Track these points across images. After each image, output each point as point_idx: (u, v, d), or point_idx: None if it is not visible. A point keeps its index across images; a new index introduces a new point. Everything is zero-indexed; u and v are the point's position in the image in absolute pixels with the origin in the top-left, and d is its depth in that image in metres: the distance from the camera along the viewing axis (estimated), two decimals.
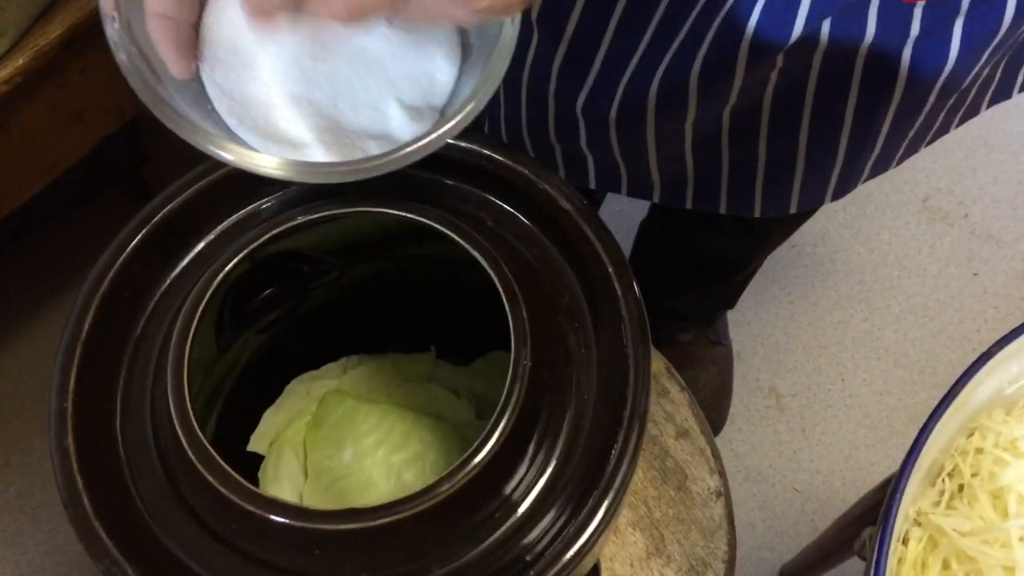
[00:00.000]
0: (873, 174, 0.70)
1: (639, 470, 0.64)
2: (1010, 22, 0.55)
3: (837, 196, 0.71)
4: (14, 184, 0.92)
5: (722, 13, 0.54)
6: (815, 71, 0.58)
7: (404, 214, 0.42)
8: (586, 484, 0.38)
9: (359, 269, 0.52)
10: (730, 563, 0.61)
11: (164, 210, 0.45)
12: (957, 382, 0.46)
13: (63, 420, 0.37)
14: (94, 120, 0.95)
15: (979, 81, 0.63)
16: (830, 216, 1.27)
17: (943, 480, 0.53)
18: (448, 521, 0.36)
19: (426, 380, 0.61)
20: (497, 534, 0.37)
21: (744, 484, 1.14)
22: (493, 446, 0.36)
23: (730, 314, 1.19)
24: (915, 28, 0.53)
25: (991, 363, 0.47)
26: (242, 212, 0.47)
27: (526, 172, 0.44)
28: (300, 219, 0.42)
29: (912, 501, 0.52)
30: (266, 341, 0.52)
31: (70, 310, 0.40)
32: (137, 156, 1.28)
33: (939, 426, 0.48)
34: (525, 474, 0.38)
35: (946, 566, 0.52)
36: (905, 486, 0.47)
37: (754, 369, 1.19)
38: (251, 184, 0.45)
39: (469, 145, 0.45)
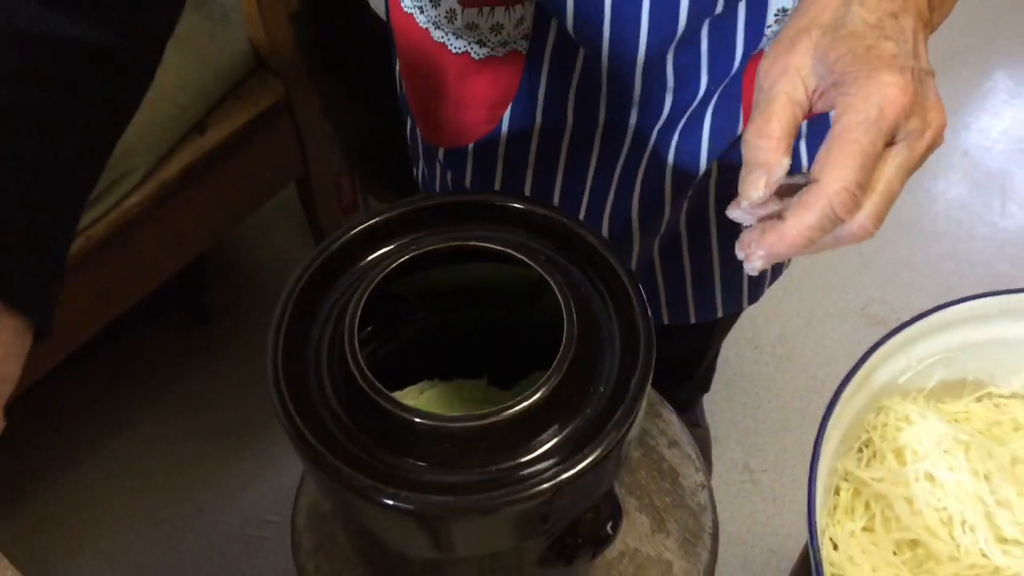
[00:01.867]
0: (773, 278, 0.91)
1: (643, 470, 0.83)
2: None
3: (752, 300, 0.91)
4: (130, 289, 1.14)
5: (645, 157, 0.73)
6: (712, 195, 0.79)
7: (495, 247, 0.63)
8: (606, 418, 0.58)
9: (442, 312, 0.74)
10: (714, 535, 0.80)
11: (336, 244, 0.65)
12: (854, 368, 0.68)
13: (276, 360, 0.59)
14: (193, 240, 1.18)
15: None
16: (785, 322, 1.51)
17: (860, 448, 0.74)
18: (532, 424, 0.56)
19: (481, 402, 0.81)
20: (552, 441, 0.57)
21: (727, 547, 1.31)
22: (552, 382, 0.57)
23: (706, 404, 1.40)
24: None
25: (881, 351, 0.69)
26: (370, 258, 0.68)
27: (564, 221, 0.67)
28: (406, 256, 0.63)
29: (840, 463, 0.73)
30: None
31: (271, 325, 0.61)
32: (200, 281, 1.50)
33: (846, 406, 0.69)
34: (572, 406, 0.59)
35: (867, 506, 0.72)
36: (820, 449, 0.68)
37: (729, 450, 1.39)
38: (375, 240, 0.66)
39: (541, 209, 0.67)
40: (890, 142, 0.42)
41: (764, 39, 0.68)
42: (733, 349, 1.47)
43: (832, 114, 0.44)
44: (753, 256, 0.45)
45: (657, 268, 0.85)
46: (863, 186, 0.42)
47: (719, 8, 0.64)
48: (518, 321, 0.72)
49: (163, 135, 1.08)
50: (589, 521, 0.64)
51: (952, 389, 0.77)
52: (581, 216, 0.80)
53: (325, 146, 1.27)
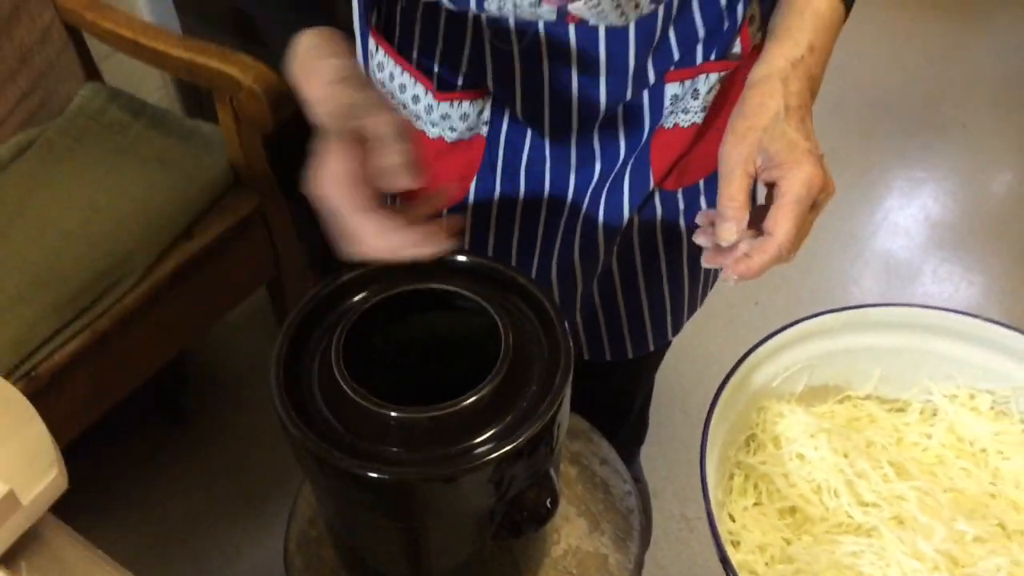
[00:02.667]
0: (690, 313, 1.11)
1: (579, 484, 0.99)
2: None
3: (675, 331, 1.11)
4: (126, 379, 1.28)
5: (581, 214, 0.94)
6: (636, 241, 1.00)
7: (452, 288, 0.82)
8: (536, 408, 0.75)
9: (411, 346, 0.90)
10: (643, 532, 0.96)
11: (326, 289, 0.83)
12: (729, 373, 0.86)
13: (278, 375, 0.75)
14: (181, 333, 1.34)
15: None
16: (708, 390, 1.69)
17: (747, 441, 0.91)
18: (481, 415, 0.72)
19: None
20: (497, 427, 0.74)
21: None
22: (495, 381, 0.74)
23: (644, 463, 1.56)
24: (681, 205, 0.98)
25: (751, 360, 0.87)
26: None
27: (500, 267, 0.85)
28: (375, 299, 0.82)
29: (731, 453, 0.90)
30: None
31: (275, 346, 0.78)
32: (179, 384, 1.64)
33: (728, 406, 0.87)
34: (511, 399, 0.76)
35: (755, 486, 0.88)
36: (707, 441, 0.84)
37: (667, 502, 1.55)
38: (352, 289, 0.84)
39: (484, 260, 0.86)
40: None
41: (662, 118, 0.89)
42: (666, 415, 1.64)
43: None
44: (729, 279, 0.73)
45: (598, 306, 1.04)
46: (797, 237, 0.69)
47: (629, 95, 0.85)
48: (471, 346, 0.89)
49: (157, 241, 1.25)
50: (531, 500, 0.80)
51: (818, 393, 0.95)
52: (533, 262, 0.99)
53: (295, 251, 1.46)
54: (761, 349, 0.89)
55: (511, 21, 0.80)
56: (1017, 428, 0.91)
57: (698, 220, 0.76)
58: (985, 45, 2.53)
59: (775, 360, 0.92)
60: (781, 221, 0.69)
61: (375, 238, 0.68)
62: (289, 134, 1.37)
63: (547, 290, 0.82)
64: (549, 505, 0.82)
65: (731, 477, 0.90)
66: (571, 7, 0.76)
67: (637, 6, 0.77)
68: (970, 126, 2.27)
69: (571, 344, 0.79)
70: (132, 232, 1.24)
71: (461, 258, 0.85)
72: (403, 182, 0.67)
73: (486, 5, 0.78)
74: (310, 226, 1.46)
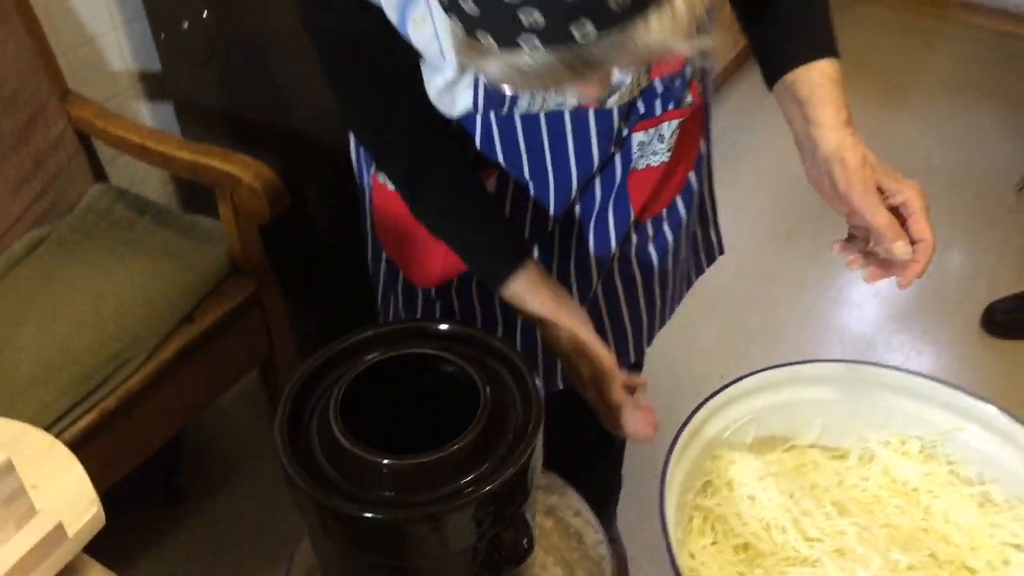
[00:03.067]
0: (660, 326, 1.23)
1: (555, 534, 1.08)
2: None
3: (649, 343, 1.23)
4: (130, 456, 1.36)
5: (573, 249, 1.07)
6: (616, 268, 1.10)
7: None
8: (512, 453, 0.85)
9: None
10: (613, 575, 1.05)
11: (313, 364, 0.93)
12: (682, 426, 0.96)
13: (283, 431, 0.85)
14: (183, 412, 1.43)
15: (680, 259, 1.18)
16: None
17: (703, 486, 1.01)
18: (463, 462, 0.82)
19: None
20: (480, 470, 0.84)
21: None
22: (476, 431, 0.84)
23: (621, 528, 1.64)
24: (650, 231, 1.10)
25: (701, 414, 0.97)
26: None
27: (475, 333, 0.96)
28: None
29: (689, 498, 0.99)
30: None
31: (283, 402, 0.88)
32: (175, 463, 1.72)
33: (684, 455, 0.97)
34: (489, 447, 0.86)
35: (713, 527, 0.98)
36: (666, 488, 0.94)
37: (643, 567, 1.62)
38: (347, 355, 0.95)
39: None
40: None
41: (632, 161, 1.03)
42: (640, 483, 1.73)
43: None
44: (902, 285, 0.91)
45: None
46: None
47: (611, 150, 1.00)
48: (453, 402, 0.98)
49: (161, 325, 1.36)
50: (509, 540, 0.90)
51: (766, 443, 1.06)
52: None
53: (288, 335, 1.56)
54: (711, 403, 1.00)
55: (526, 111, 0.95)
56: (944, 469, 1.02)
57: (836, 252, 0.97)
58: (928, 133, 2.73)
59: (725, 413, 1.02)
60: (924, 227, 0.89)
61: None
62: (283, 227, 1.50)
63: (519, 352, 0.93)
64: (526, 545, 0.92)
65: (690, 519, 1.00)
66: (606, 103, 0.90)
67: (639, 85, 0.93)
68: None
69: (542, 398, 0.89)
70: (138, 317, 1.34)
71: (443, 326, 0.96)
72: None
73: (519, 104, 0.91)
74: (302, 312, 1.56)
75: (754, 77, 2.91)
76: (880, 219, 0.88)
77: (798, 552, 0.95)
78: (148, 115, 1.82)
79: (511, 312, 1.11)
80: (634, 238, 1.11)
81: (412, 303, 1.15)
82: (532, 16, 0.54)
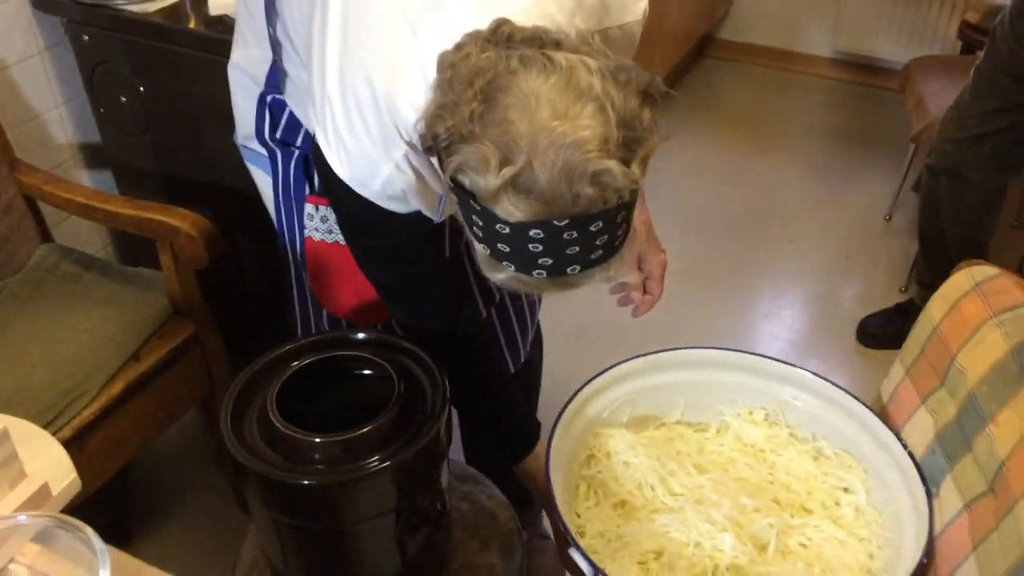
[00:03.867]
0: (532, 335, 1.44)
1: (471, 515, 1.25)
2: None
3: (525, 355, 1.43)
4: (88, 483, 1.48)
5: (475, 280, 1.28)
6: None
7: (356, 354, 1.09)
8: (420, 431, 1.02)
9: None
10: (522, 546, 1.22)
11: (251, 370, 1.10)
12: (564, 407, 1.15)
13: (227, 414, 1.00)
14: (129, 445, 1.56)
15: None
16: None
17: (587, 459, 1.19)
18: (382, 439, 0.99)
19: None
20: (397, 444, 1.01)
21: None
22: (392, 410, 1.01)
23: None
24: None
25: (582, 395, 1.16)
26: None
27: (390, 338, 1.13)
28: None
29: (575, 469, 1.17)
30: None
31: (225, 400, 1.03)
32: (122, 503, 1.82)
33: (568, 432, 1.15)
34: (410, 419, 1.03)
35: (594, 491, 1.16)
36: (550, 461, 1.11)
37: None
38: (281, 361, 1.11)
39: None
40: None
41: None
42: None
43: None
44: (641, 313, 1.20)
45: (498, 327, 1.38)
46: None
47: None
48: (374, 393, 1.13)
49: (110, 363, 1.50)
50: (425, 506, 1.07)
51: (640, 422, 1.24)
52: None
53: (226, 373, 1.71)
54: (589, 387, 1.20)
55: None
56: (784, 432, 1.22)
57: (611, 291, 1.25)
58: (807, 174, 3.02)
59: (603, 396, 1.22)
60: (653, 287, 1.23)
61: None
62: (218, 273, 1.66)
63: (427, 352, 1.11)
64: (440, 507, 1.09)
65: (577, 487, 1.18)
66: None
67: None
68: (795, 241, 2.71)
69: (447, 386, 1.07)
70: (89, 357, 1.48)
71: (362, 335, 1.14)
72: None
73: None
74: (239, 351, 1.71)
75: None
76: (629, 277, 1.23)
77: (665, 504, 1.14)
78: (88, 180, 1.98)
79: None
80: None
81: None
82: (545, 263, 0.79)
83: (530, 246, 0.78)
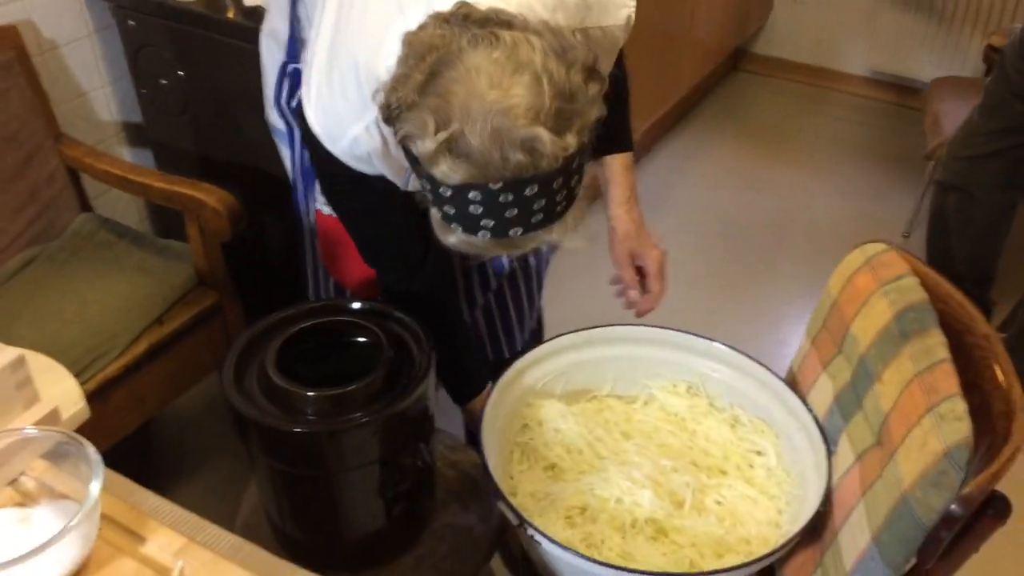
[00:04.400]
0: (530, 329, 1.51)
1: (456, 481, 1.33)
2: None
3: (521, 345, 1.50)
4: (99, 439, 1.59)
5: (475, 269, 1.36)
6: (507, 284, 1.41)
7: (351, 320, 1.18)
8: (405, 390, 1.10)
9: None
10: (499, 512, 1.29)
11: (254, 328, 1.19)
12: (502, 375, 1.22)
13: (231, 368, 1.09)
14: (150, 402, 1.67)
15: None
16: None
17: (521, 427, 1.26)
18: (370, 396, 1.07)
19: None
20: (384, 401, 1.09)
21: None
22: (380, 370, 1.09)
23: None
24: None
25: (517, 366, 1.22)
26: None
27: (381, 307, 1.22)
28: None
29: (509, 437, 1.24)
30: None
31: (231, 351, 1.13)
32: (144, 463, 1.93)
33: (503, 399, 1.21)
34: (396, 380, 1.11)
35: (527, 456, 1.22)
36: (484, 427, 1.17)
37: None
38: (284, 324, 1.20)
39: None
40: None
41: None
42: None
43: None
44: (642, 311, 1.30)
45: (481, 322, 1.44)
46: (664, 285, 1.30)
47: None
48: (365, 355, 1.21)
49: (135, 325, 1.60)
50: (409, 464, 1.15)
51: (573, 395, 1.30)
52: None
53: None
54: (523, 359, 1.27)
55: None
56: (704, 402, 1.30)
57: (616, 293, 1.32)
58: (829, 188, 3.06)
59: (538, 368, 1.29)
60: (653, 283, 1.29)
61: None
62: (242, 247, 1.76)
63: (415, 319, 1.19)
64: (421, 466, 1.17)
65: (511, 452, 1.25)
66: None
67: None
68: (813, 254, 2.75)
69: (433, 351, 1.15)
70: (115, 318, 1.59)
71: (356, 304, 1.23)
72: None
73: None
74: (257, 320, 1.81)
75: (674, 143, 3.31)
76: (623, 274, 1.29)
77: (591, 466, 1.21)
78: (129, 157, 2.10)
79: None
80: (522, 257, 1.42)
81: None
82: (487, 224, 0.86)
83: (471, 208, 0.84)
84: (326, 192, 1.19)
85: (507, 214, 0.85)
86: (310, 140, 1.05)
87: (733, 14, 3.30)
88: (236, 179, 1.86)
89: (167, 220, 2.16)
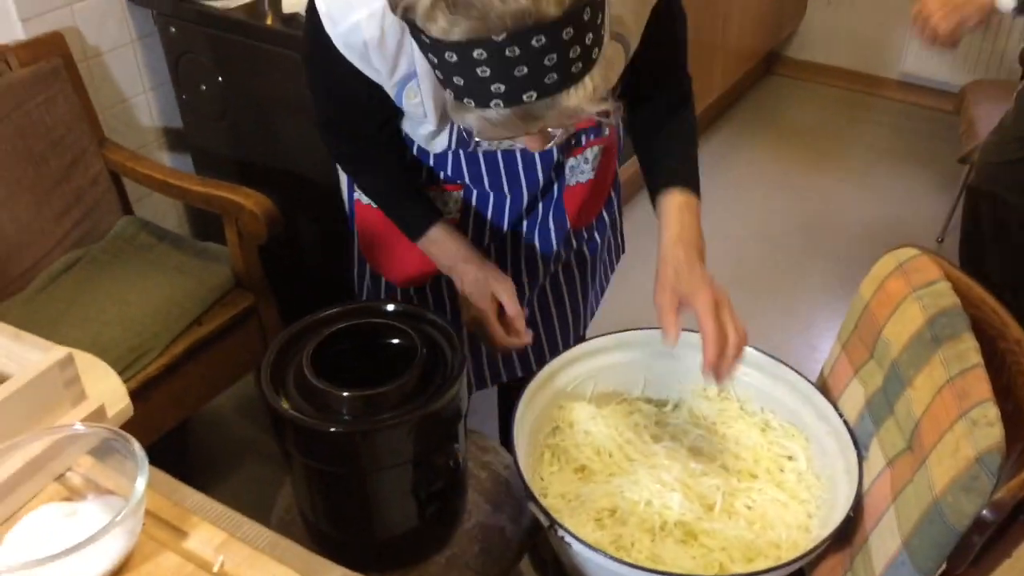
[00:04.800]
0: (585, 327, 1.50)
1: (488, 482, 1.34)
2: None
3: (576, 339, 1.49)
4: (141, 435, 1.63)
5: (522, 247, 1.35)
6: (560, 267, 1.41)
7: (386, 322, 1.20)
8: (440, 392, 1.12)
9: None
10: (530, 513, 1.31)
11: (289, 330, 1.22)
12: (533, 379, 1.23)
13: (268, 368, 1.12)
14: (189, 401, 1.70)
15: (602, 259, 1.49)
16: None
17: (552, 430, 1.27)
18: (405, 396, 1.09)
19: None
20: (417, 402, 1.11)
21: None
22: (414, 371, 1.11)
23: None
24: (585, 236, 1.39)
25: (548, 368, 1.23)
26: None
27: (415, 310, 1.24)
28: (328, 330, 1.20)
29: (540, 439, 1.24)
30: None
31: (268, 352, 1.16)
32: (182, 462, 1.97)
33: (533, 402, 1.21)
34: (429, 381, 1.13)
35: (557, 458, 1.23)
36: (516, 429, 1.18)
37: None
38: (323, 324, 1.23)
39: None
40: None
41: (566, 180, 1.32)
42: None
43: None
44: (721, 377, 1.11)
45: (537, 315, 1.44)
46: (721, 331, 1.11)
47: (540, 184, 1.29)
48: (400, 356, 1.23)
49: (175, 326, 1.64)
50: (441, 463, 1.16)
51: (603, 398, 1.31)
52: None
53: None
54: (554, 362, 1.28)
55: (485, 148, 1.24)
56: (735, 406, 1.30)
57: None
58: (863, 193, 3.04)
59: (568, 371, 1.29)
60: (706, 324, 1.09)
61: (501, 339, 1.26)
62: (279, 250, 1.79)
63: (449, 321, 1.21)
64: (453, 466, 1.19)
65: (542, 454, 1.26)
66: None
67: (569, 132, 1.21)
68: (845, 258, 2.74)
69: (466, 355, 1.17)
70: (156, 319, 1.63)
71: (390, 306, 1.25)
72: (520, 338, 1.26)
73: (482, 146, 1.21)
74: (293, 321, 1.84)
75: (707, 147, 3.27)
76: (662, 319, 1.12)
77: (621, 468, 1.22)
78: (169, 161, 2.14)
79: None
80: (574, 242, 1.41)
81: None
82: (498, 89, 0.82)
83: (478, 70, 0.81)
84: (309, 73, 1.19)
85: (516, 72, 0.80)
86: (310, 18, 1.06)
87: (766, 18, 3.30)
88: (273, 183, 1.90)
89: (205, 223, 2.20)
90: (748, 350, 1.28)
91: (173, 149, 2.16)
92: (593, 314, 1.54)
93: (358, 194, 1.38)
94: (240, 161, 2.02)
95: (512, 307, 1.25)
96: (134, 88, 2.03)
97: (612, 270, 1.56)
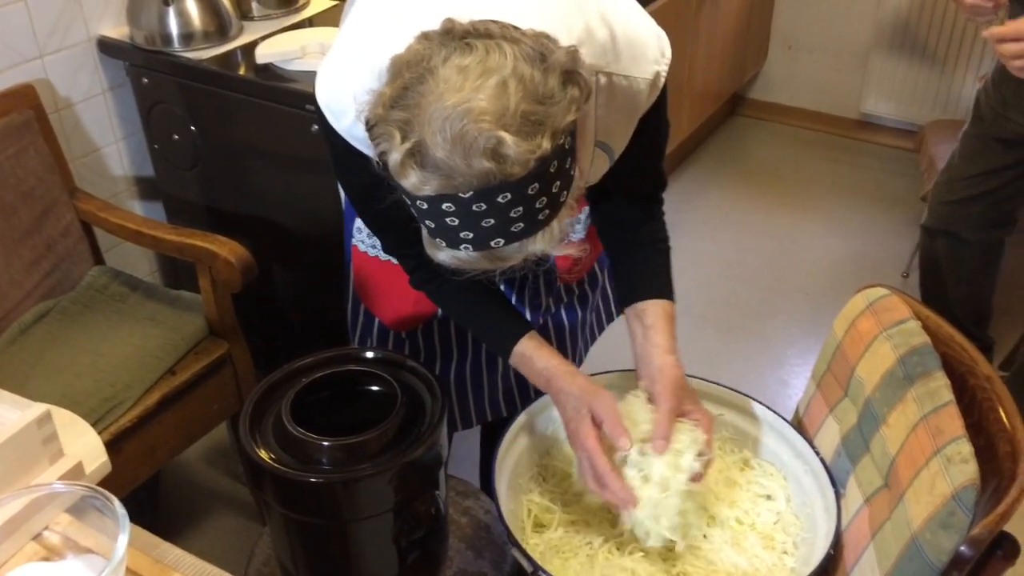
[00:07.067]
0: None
1: (469, 527, 1.34)
2: None
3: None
4: (112, 488, 1.60)
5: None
6: (550, 320, 1.42)
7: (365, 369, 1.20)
8: (420, 439, 1.12)
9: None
10: (512, 559, 1.30)
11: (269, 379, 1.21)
12: (507, 429, 1.24)
13: (246, 418, 1.11)
14: (162, 453, 1.68)
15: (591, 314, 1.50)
16: None
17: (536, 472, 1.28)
18: (385, 444, 1.09)
19: None
20: (397, 450, 1.11)
21: None
22: (394, 419, 1.11)
23: None
24: (576, 292, 1.41)
25: (529, 410, 1.25)
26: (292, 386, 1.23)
27: (395, 356, 1.24)
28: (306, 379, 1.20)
29: (523, 484, 1.26)
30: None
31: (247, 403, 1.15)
32: (153, 512, 1.94)
33: (515, 447, 1.24)
34: (409, 429, 1.13)
35: (546, 481, 1.25)
36: (496, 477, 1.20)
37: None
38: (299, 374, 1.22)
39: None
40: None
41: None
42: None
43: None
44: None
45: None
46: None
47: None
48: (380, 404, 1.23)
49: (148, 376, 1.62)
50: (421, 511, 1.16)
51: None
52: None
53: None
54: (537, 403, 1.28)
55: None
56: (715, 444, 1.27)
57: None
58: (829, 230, 3.10)
59: (550, 413, 1.28)
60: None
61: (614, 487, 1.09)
62: (252, 298, 1.79)
63: (429, 369, 1.21)
64: (435, 514, 1.18)
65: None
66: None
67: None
68: (812, 294, 2.78)
69: (445, 400, 1.17)
70: (128, 369, 1.61)
71: (370, 353, 1.25)
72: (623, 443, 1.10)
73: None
74: (267, 371, 1.83)
75: (674, 187, 3.32)
76: (661, 428, 1.10)
77: (602, 508, 1.21)
78: (141, 210, 2.14)
79: (463, 347, 1.40)
80: (564, 297, 1.43)
81: (384, 344, 1.45)
82: (467, 236, 0.85)
83: (447, 220, 0.83)
84: (338, 172, 1.16)
85: (484, 223, 0.83)
86: (320, 122, 1.06)
87: (730, 61, 3.37)
88: (245, 230, 1.90)
89: (176, 271, 2.19)
90: (723, 390, 1.30)
91: (145, 198, 2.16)
92: (582, 359, 1.55)
93: (355, 240, 1.39)
94: (212, 209, 2.02)
95: (613, 426, 1.11)
96: (105, 138, 2.03)
97: (610, 319, 1.57)
